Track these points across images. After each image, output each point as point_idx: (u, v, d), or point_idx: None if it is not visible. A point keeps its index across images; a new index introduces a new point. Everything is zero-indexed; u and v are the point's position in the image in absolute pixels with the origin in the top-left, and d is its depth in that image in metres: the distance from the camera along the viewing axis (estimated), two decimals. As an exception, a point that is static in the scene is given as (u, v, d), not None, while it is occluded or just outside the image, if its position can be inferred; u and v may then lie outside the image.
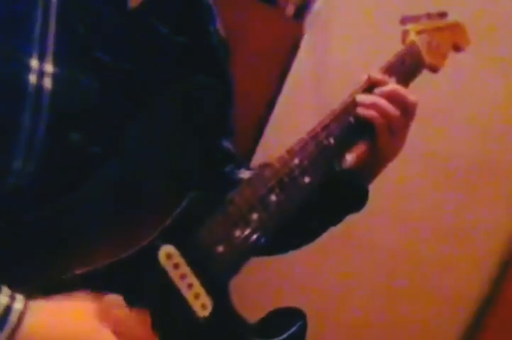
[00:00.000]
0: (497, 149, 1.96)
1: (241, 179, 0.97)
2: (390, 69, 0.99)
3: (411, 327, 2.01)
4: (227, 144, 1.00)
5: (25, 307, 0.65)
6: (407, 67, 1.02)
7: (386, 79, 0.96)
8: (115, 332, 0.69)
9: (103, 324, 0.69)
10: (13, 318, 0.64)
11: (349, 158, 0.98)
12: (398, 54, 1.02)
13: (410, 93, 0.96)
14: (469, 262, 2.00)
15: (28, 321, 0.65)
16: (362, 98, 0.94)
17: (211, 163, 0.89)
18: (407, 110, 0.94)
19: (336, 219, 1.01)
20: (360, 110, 0.93)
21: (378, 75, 0.96)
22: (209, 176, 0.92)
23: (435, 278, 2.00)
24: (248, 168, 1.02)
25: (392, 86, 0.95)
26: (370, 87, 0.96)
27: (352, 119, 0.93)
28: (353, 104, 0.94)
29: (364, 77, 0.96)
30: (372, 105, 0.93)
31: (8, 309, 0.64)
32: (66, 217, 0.74)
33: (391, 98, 0.94)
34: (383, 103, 0.93)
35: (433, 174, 1.96)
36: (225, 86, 0.97)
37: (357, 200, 1.00)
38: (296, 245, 1.04)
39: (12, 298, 0.65)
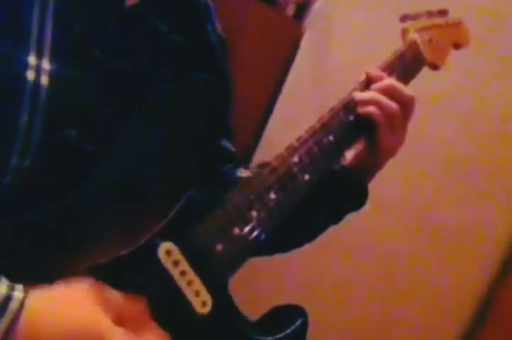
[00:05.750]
0: (498, 148, 1.96)
1: (239, 178, 0.97)
2: (389, 67, 0.99)
3: (411, 327, 2.01)
4: (226, 143, 1.00)
5: (25, 295, 0.65)
6: (407, 65, 1.02)
7: (383, 75, 0.96)
8: (114, 318, 0.69)
9: (103, 310, 0.69)
10: (13, 306, 0.64)
11: (349, 156, 0.98)
12: (397, 52, 1.02)
13: (407, 88, 0.96)
14: (469, 262, 2.00)
15: (29, 309, 0.65)
16: (360, 95, 0.94)
17: (210, 162, 0.89)
18: (405, 105, 0.95)
19: (336, 217, 1.01)
20: (360, 108, 0.93)
21: (375, 71, 0.97)
22: (208, 175, 0.92)
23: (434, 277, 2.00)
24: (247, 168, 1.02)
25: (388, 80, 0.95)
26: (368, 84, 0.96)
27: (351, 117, 0.93)
28: (352, 102, 0.94)
29: (363, 75, 0.96)
30: (371, 101, 0.93)
31: (8, 297, 0.64)
32: (65, 216, 0.73)
33: (389, 92, 0.94)
34: (382, 98, 0.93)
35: (433, 174, 1.97)
36: (224, 86, 0.97)
37: (356, 198, 1.00)
38: (296, 244, 1.03)
39: (11, 288, 0.65)
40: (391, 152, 0.97)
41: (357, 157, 0.99)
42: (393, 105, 0.93)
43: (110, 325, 0.68)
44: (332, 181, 0.94)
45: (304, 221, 0.93)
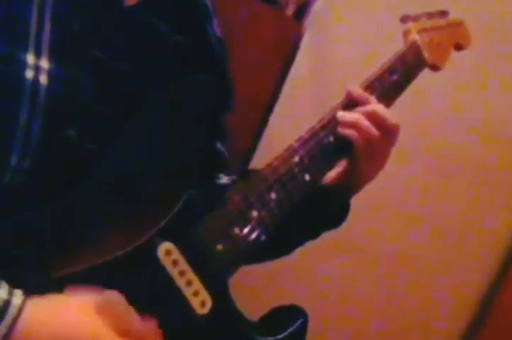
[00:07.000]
0: (499, 151, 1.96)
1: (220, 185, 0.97)
2: (382, 74, 0.99)
3: (411, 327, 2.01)
4: (220, 146, 1.00)
5: (24, 301, 0.65)
6: (408, 66, 1.02)
7: (367, 97, 0.95)
8: (115, 327, 0.69)
9: (103, 319, 0.69)
10: (12, 311, 0.64)
11: (329, 174, 0.97)
12: (398, 54, 1.02)
13: (392, 114, 0.95)
14: (469, 262, 2.00)
15: (27, 315, 0.65)
16: (343, 115, 0.94)
17: (208, 164, 0.89)
18: (388, 132, 0.94)
19: (314, 234, 1.02)
20: (340, 129, 0.93)
21: (359, 92, 0.95)
22: (207, 175, 0.92)
23: (434, 277, 2.00)
24: (230, 174, 1.01)
25: (373, 106, 0.94)
26: (351, 103, 0.95)
27: (331, 137, 0.93)
28: (334, 121, 0.93)
29: (345, 92, 0.95)
30: (352, 124, 0.93)
31: (7, 303, 0.64)
32: (65, 215, 0.74)
33: (373, 118, 0.93)
34: (364, 123, 0.92)
35: (433, 174, 1.96)
36: (224, 86, 0.97)
37: (335, 216, 1.00)
38: (270, 256, 1.02)
39: (11, 293, 0.65)
40: (369, 177, 0.97)
41: (337, 176, 0.98)
42: (374, 131, 0.93)
43: (109, 332, 0.68)
44: (311, 199, 0.93)
45: (280, 235, 0.92)
